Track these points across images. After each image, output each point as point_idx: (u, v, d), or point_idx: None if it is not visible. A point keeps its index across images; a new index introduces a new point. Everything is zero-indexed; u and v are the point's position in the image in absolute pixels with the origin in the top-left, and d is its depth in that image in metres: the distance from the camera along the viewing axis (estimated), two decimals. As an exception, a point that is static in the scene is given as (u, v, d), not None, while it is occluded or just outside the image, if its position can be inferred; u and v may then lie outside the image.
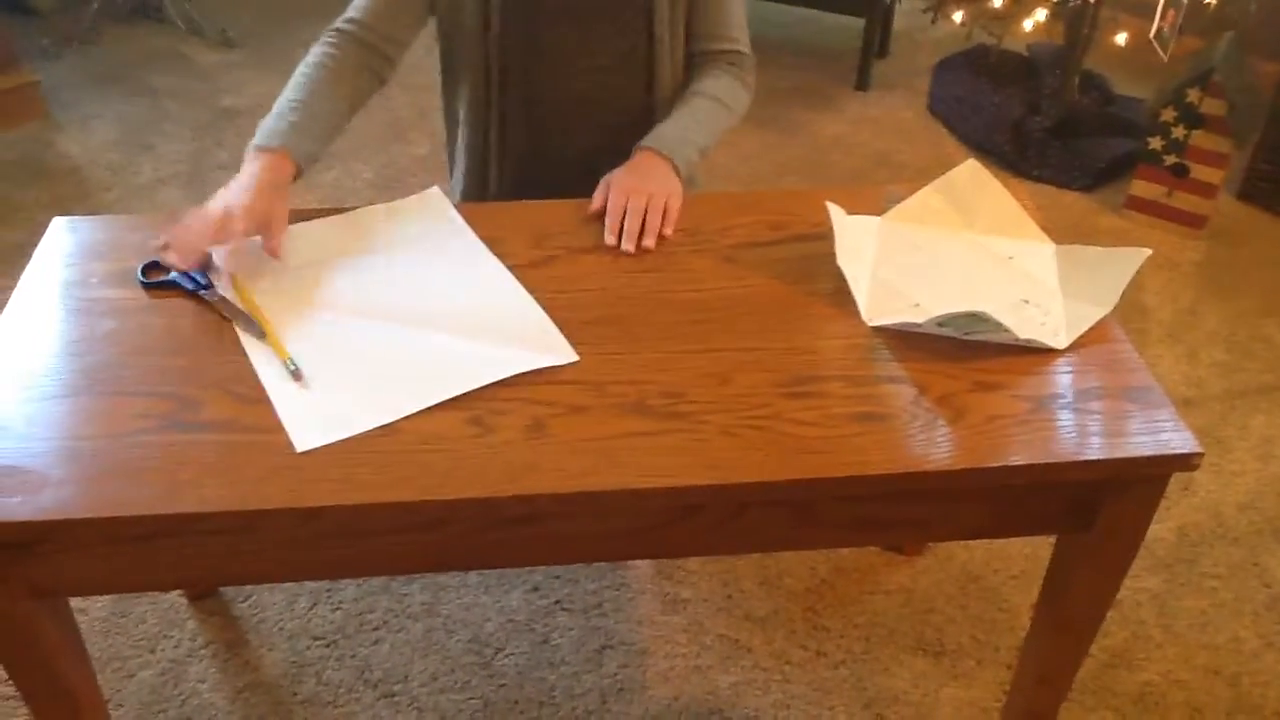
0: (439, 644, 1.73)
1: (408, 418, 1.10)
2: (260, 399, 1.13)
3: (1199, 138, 2.61)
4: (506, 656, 1.71)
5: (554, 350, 1.18)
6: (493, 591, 1.81)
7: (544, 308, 1.26)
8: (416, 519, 1.06)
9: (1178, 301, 2.52)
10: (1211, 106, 2.56)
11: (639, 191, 1.40)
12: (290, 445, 1.07)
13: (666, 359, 1.19)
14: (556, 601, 1.79)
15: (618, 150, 1.52)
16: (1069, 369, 1.20)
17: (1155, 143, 2.67)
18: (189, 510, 1.01)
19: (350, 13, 1.52)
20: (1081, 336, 1.24)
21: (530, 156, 1.63)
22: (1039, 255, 1.38)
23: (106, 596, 1.78)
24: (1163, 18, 2.56)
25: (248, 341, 1.20)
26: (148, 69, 3.47)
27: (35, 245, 1.36)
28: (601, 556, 1.23)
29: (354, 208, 1.46)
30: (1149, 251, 1.31)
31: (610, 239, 1.38)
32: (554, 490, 1.04)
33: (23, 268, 1.32)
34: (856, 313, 1.27)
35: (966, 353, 1.21)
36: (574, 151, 1.61)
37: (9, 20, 3.14)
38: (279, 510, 1.01)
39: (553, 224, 1.41)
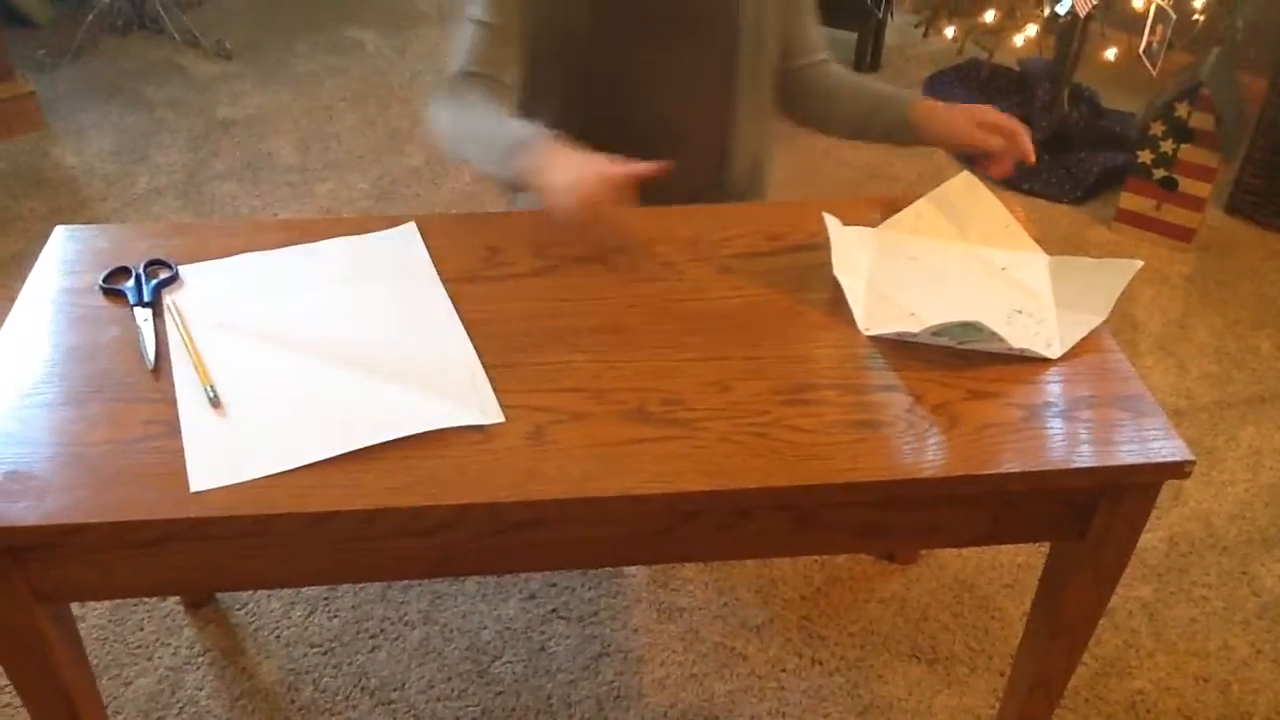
0: (436, 652, 1.74)
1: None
2: (265, 406, 1.14)
3: (1187, 151, 2.64)
4: (504, 664, 1.72)
5: (482, 408, 1.14)
6: (489, 600, 1.82)
7: (545, 316, 1.27)
8: (422, 524, 1.07)
9: (1167, 314, 2.55)
10: (1200, 121, 2.59)
11: (984, 113, 1.48)
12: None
13: (667, 366, 1.21)
14: (553, 609, 1.80)
15: (693, 169, 1.57)
16: (1062, 378, 1.22)
17: (1144, 156, 2.70)
18: (195, 515, 1.02)
19: (456, 68, 1.51)
20: (1074, 346, 1.26)
21: None
22: (1032, 266, 1.40)
23: (104, 604, 1.79)
24: (1151, 33, 2.60)
25: (178, 364, 1.19)
26: (144, 80, 3.48)
27: (32, 254, 1.38)
28: (603, 562, 1.25)
29: (346, 218, 1.47)
30: (1141, 263, 1.33)
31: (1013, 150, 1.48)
32: (557, 496, 1.06)
33: (20, 277, 1.33)
34: (853, 322, 1.29)
35: (961, 362, 1.23)
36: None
37: (7, 32, 3.15)
38: (286, 515, 1.02)
39: (555, 233, 1.42)
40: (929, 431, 1.14)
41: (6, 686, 1.66)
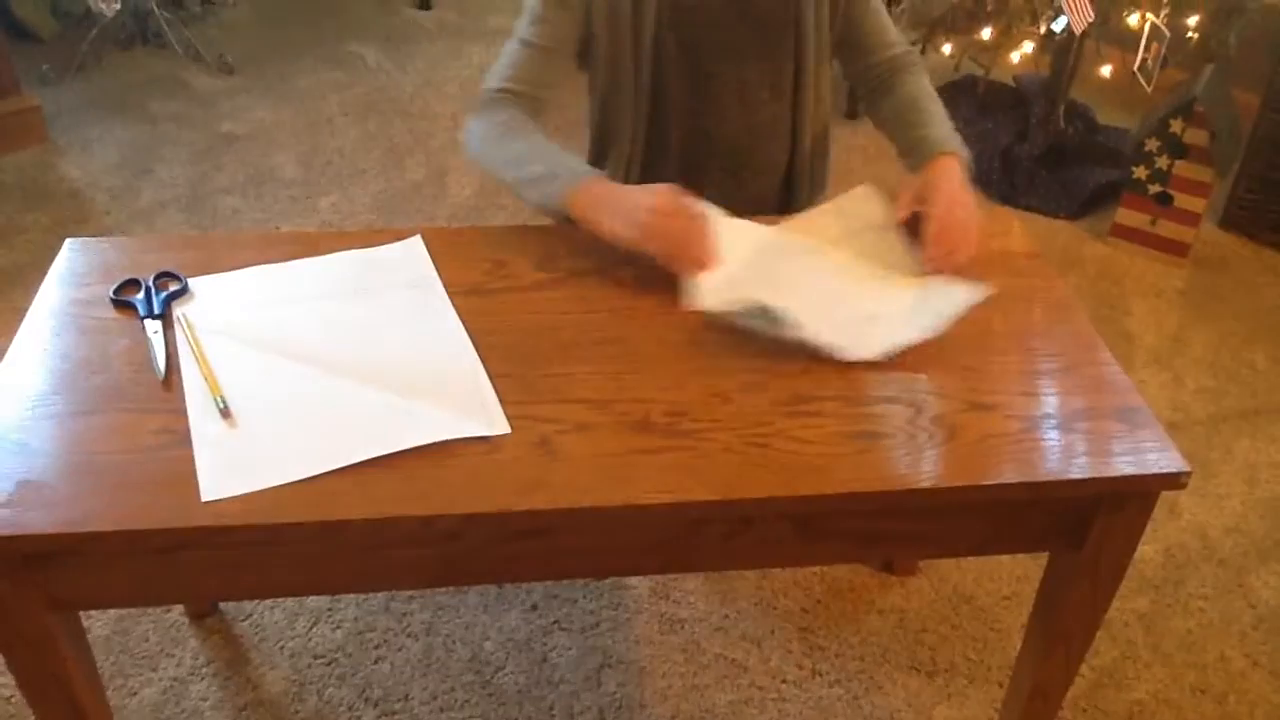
0: (439, 663, 1.75)
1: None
2: (274, 416, 1.15)
3: (1182, 167, 2.67)
4: (506, 675, 1.73)
5: (489, 419, 1.16)
6: (492, 611, 1.83)
7: (550, 328, 1.29)
8: (430, 533, 1.09)
9: (1162, 328, 2.57)
10: (1194, 137, 2.61)
11: (953, 222, 1.40)
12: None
13: (670, 378, 1.23)
14: (555, 621, 1.82)
15: (760, 177, 1.62)
16: (1061, 390, 1.24)
17: (1140, 172, 2.73)
18: (206, 524, 1.04)
19: (498, 84, 1.52)
20: (1073, 359, 1.28)
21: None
22: (905, 277, 1.40)
23: (108, 615, 1.80)
24: (1146, 50, 2.62)
25: (188, 374, 1.21)
26: (147, 94, 3.50)
27: (36, 267, 1.39)
28: (608, 571, 1.26)
29: (352, 232, 1.48)
30: (991, 291, 1.33)
31: (932, 253, 1.38)
32: (562, 505, 1.07)
33: (24, 289, 1.35)
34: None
35: (961, 374, 1.25)
36: (709, 187, 1.59)
37: (11, 46, 3.17)
38: (296, 524, 1.04)
39: (559, 246, 1.44)
40: (929, 442, 1.15)
41: (14, 696, 1.67)
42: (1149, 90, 2.65)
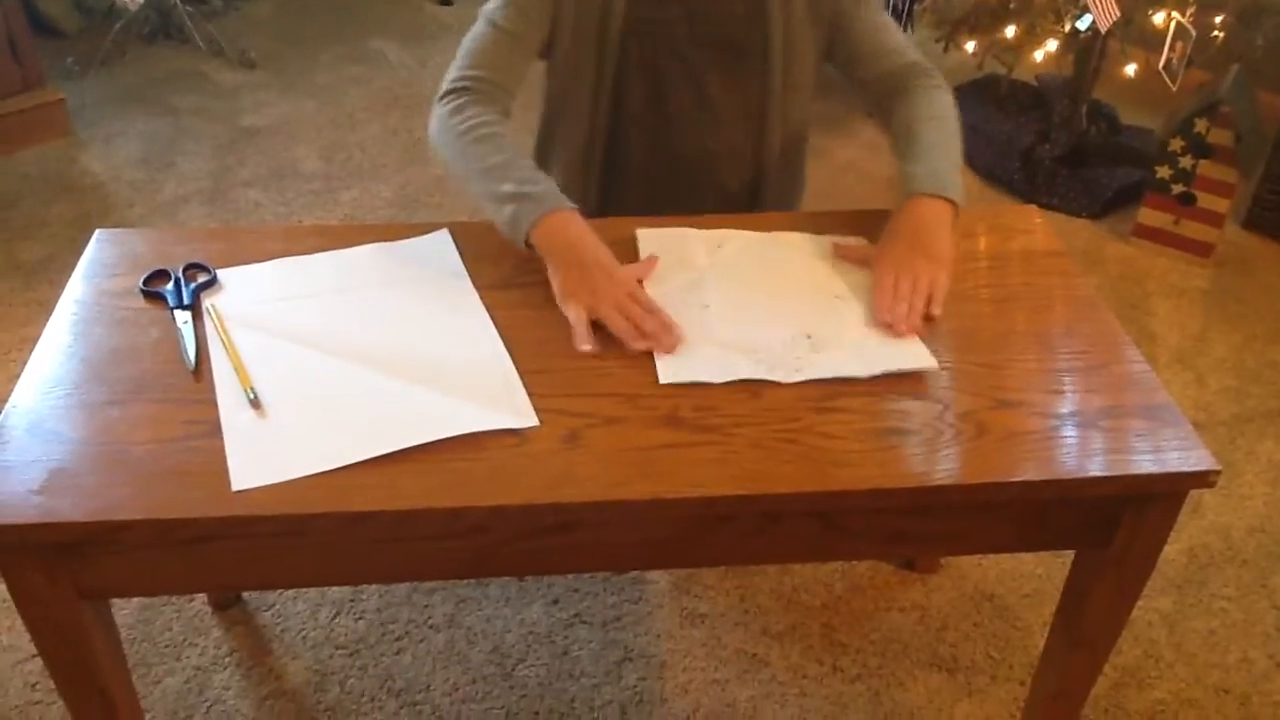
0: (460, 655, 1.75)
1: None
2: (303, 407, 1.16)
3: (1206, 167, 2.65)
4: (527, 668, 1.74)
5: (517, 412, 1.16)
6: (513, 604, 1.83)
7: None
8: (458, 525, 1.09)
9: (1185, 328, 2.56)
10: (1219, 137, 2.60)
11: (906, 270, 1.33)
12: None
13: (697, 373, 1.23)
14: (576, 614, 1.82)
15: (722, 200, 1.57)
16: (1088, 388, 1.23)
17: (1163, 172, 2.71)
18: (237, 513, 1.04)
19: (462, 71, 1.48)
20: (1100, 357, 1.27)
21: (622, 207, 1.64)
22: (866, 307, 1.34)
23: (132, 605, 1.81)
24: (1171, 50, 2.61)
25: (218, 365, 1.21)
26: (170, 89, 3.52)
27: (60, 260, 1.40)
28: (634, 565, 1.27)
29: (380, 225, 1.48)
30: (935, 365, 1.25)
31: (882, 319, 1.30)
32: (589, 499, 1.08)
33: (48, 281, 1.36)
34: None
35: (988, 372, 1.25)
36: (667, 205, 1.58)
37: (36, 40, 3.19)
38: (325, 514, 1.04)
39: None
40: (957, 439, 1.15)
41: (39, 683, 1.68)
42: (1174, 90, 2.63)
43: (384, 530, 1.09)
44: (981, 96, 3.42)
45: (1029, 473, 1.12)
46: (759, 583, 1.88)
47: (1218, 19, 2.76)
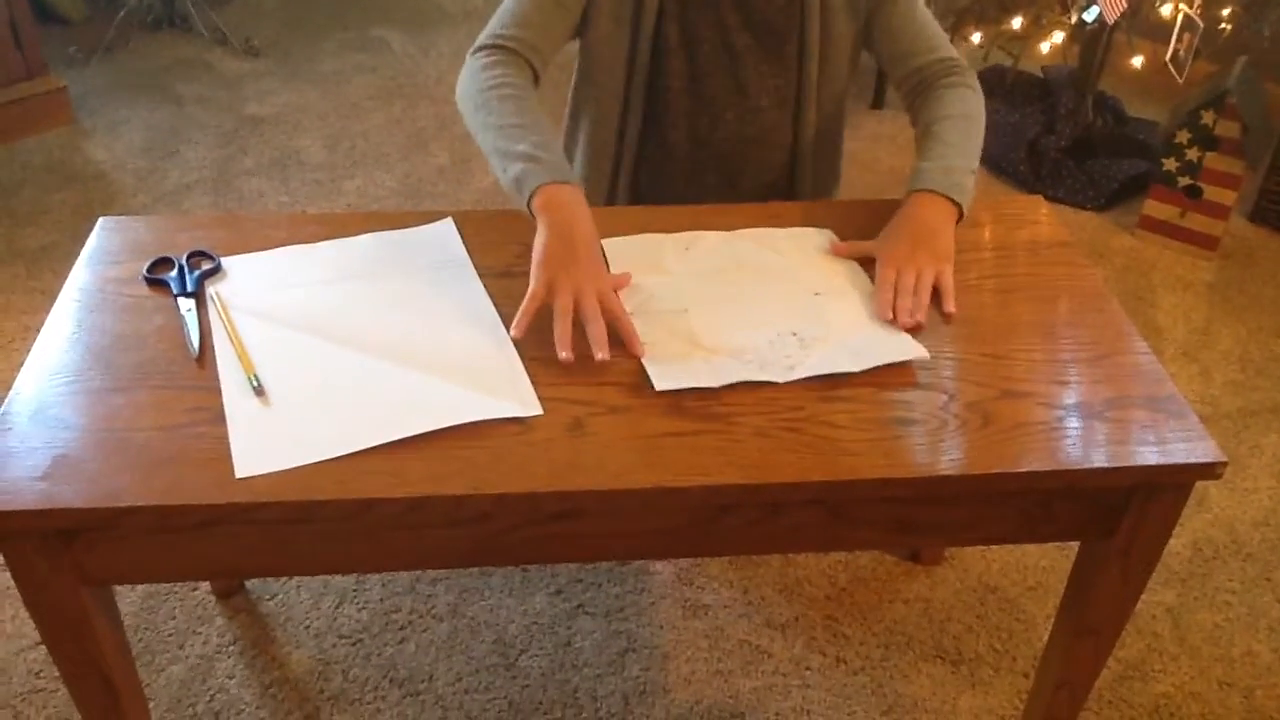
0: (463, 644, 1.75)
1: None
2: (307, 395, 1.16)
3: (1212, 159, 2.64)
4: (530, 658, 1.74)
5: (521, 400, 1.16)
6: (517, 594, 1.83)
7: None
8: (462, 513, 1.09)
9: (1191, 321, 2.55)
10: (1225, 129, 2.59)
11: (909, 265, 1.32)
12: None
13: (702, 363, 1.22)
14: (579, 605, 1.82)
15: (758, 184, 1.56)
16: (1094, 379, 1.23)
17: (1169, 164, 2.70)
18: (241, 500, 1.04)
19: (501, 29, 1.47)
20: (1106, 347, 1.27)
21: (660, 191, 1.63)
22: (848, 299, 1.33)
23: (136, 593, 1.81)
24: (1178, 41, 2.60)
25: (221, 352, 1.21)
26: (174, 77, 3.52)
27: (63, 248, 1.39)
28: (639, 554, 1.26)
29: (383, 213, 1.48)
30: (926, 354, 1.24)
31: (886, 315, 1.29)
32: (594, 487, 1.07)
33: (51, 269, 1.35)
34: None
35: (994, 362, 1.24)
36: (705, 190, 1.59)
37: (39, 28, 3.19)
38: (329, 502, 1.04)
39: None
40: (962, 430, 1.15)
41: (43, 670, 1.68)
42: (1181, 81, 2.62)
43: (388, 518, 1.09)
44: (987, 88, 3.38)
45: (1034, 463, 1.12)
46: (762, 574, 1.88)
47: (1225, 11, 2.75)
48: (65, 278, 1.34)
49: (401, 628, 1.77)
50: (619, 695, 1.68)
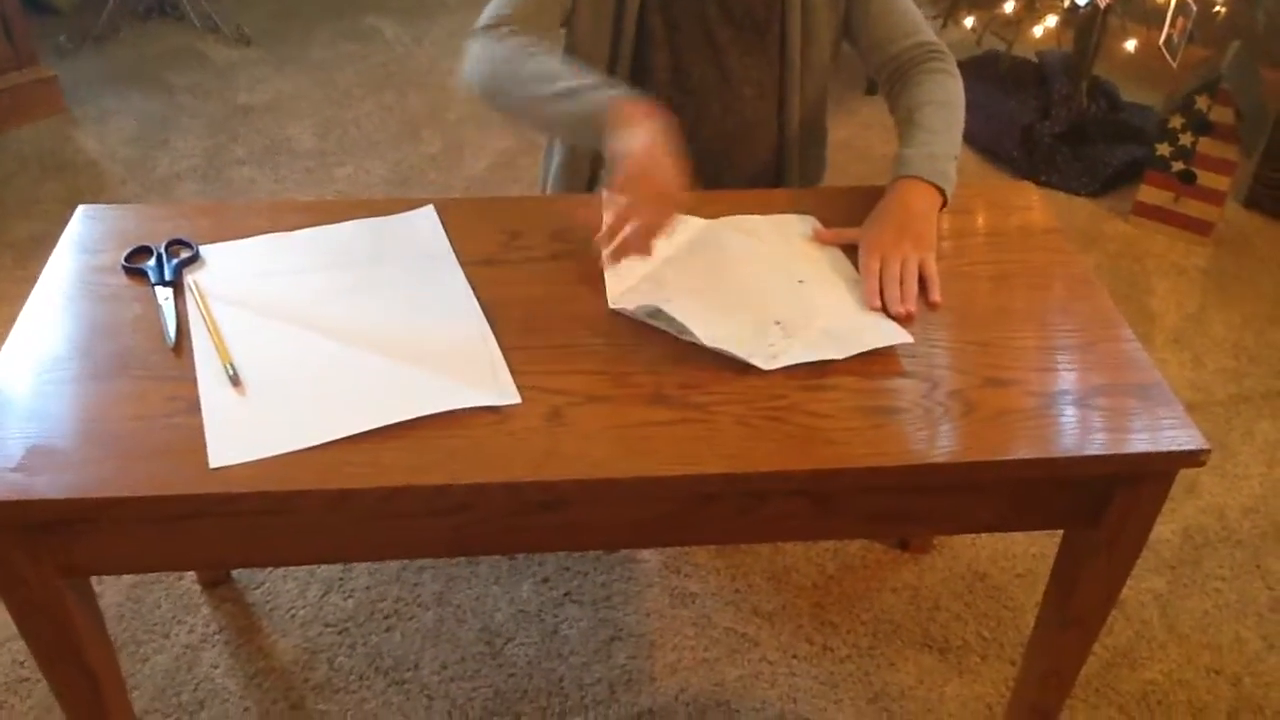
0: (450, 633, 1.75)
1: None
2: (285, 384, 1.15)
3: (1206, 145, 2.63)
4: (517, 646, 1.73)
5: (499, 390, 1.15)
6: (503, 582, 1.83)
7: (563, 300, 1.28)
8: (441, 503, 1.08)
9: (1184, 307, 2.54)
10: (1220, 114, 2.58)
11: (894, 253, 1.32)
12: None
13: (683, 350, 1.21)
14: (566, 593, 1.82)
15: (744, 176, 1.55)
16: (1080, 367, 1.22)
17: (1163, 149, 2.69)
18: (217, 490, 1.03)
19: (503, 11, 1.47)
20: (1092, 335, 1.26)
21: None
22: (833, 287, 1.33)
23: (121, 583, 1.80)
24: (1172, 25, 2.59)
25: (198, 342, 1.20)
26: (164, 66, 3.50)
27: (52, 237, 1.38)
28: (620, 544, 1.26)
29: (365, 200, 1.47)
30: (910, 339, 1.24)
31: (874, 303, 1.29)
32: (574, 477, 1.07)
33: (40, 258, 1.34)
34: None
35: (978, 349, 1.24)
36: (697, 184, 1.56)
37: (29, 17, 3.17)
38: (307, 492, 1.03)
39: (573, 218, 1.43)
40: (945, 418, 1.14)
41: (26, 661, 1.68)
42: (1174, 66, 2.61)
43: (367, 508, 1.08)
44: (981, 73, 3.39)
45: (1019, 451, 1.11)
46: (750, 562, 1.87)
47: (1219, -5, 2.74)
48: (51, 268, 1.33)
49: (387, 616, 1.77)
50: (605, 683, 1.68)
